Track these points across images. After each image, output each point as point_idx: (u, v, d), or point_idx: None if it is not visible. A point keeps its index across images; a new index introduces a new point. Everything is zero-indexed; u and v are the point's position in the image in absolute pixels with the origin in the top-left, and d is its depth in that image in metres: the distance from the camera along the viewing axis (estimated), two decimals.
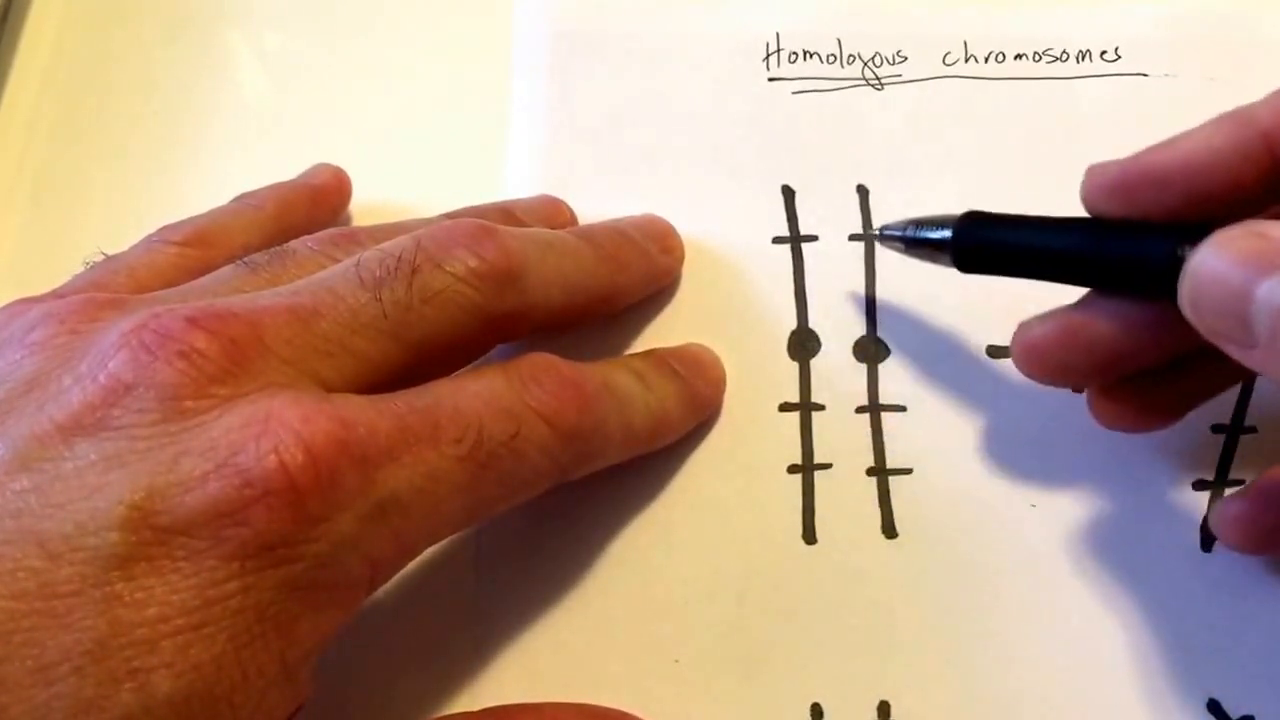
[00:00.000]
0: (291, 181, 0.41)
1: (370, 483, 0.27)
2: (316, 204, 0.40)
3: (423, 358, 0.31)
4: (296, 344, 0.29)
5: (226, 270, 0.33)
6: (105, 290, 0.34)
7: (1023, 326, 0.34)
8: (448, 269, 0.31)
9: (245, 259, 0.33)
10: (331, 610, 0.28)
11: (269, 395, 0.27)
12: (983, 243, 0.34)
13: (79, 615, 0.25)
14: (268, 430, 0.27)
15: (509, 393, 0.31)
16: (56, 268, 0.41)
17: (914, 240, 0.36)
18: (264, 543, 0.26)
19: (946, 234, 0.34)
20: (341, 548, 0.27)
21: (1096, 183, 0.32)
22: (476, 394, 0.30)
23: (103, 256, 0.36)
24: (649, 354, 0.37)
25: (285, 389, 0.28)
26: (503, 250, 0.32)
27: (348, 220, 0.42)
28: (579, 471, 0.33)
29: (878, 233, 0.37)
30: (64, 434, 0.27)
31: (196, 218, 0.38)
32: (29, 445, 0.26)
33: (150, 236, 0.37)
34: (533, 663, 0.34)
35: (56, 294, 0.34)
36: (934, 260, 0.35)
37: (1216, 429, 0.36)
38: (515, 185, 0.42)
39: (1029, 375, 0.34)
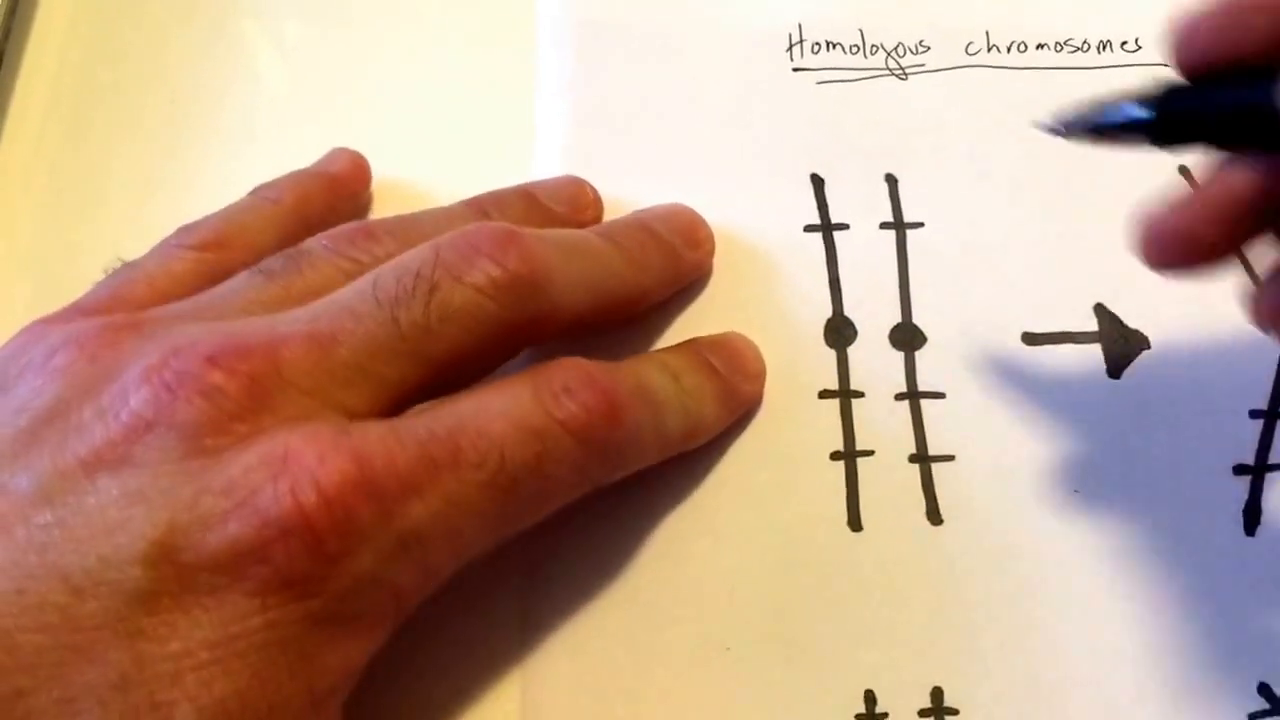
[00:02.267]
0: (309, 170, 0.40)
1: (389, 518, 0.27)
2: (335, 193, 0.40)
3: (445, 373, 0.31)
4: (316, 374, 0.29)
5: (241, 279, 0.33)
6: (125, 302, 0.34)
7: (1151, 214, 0.30)
8: (468, 281, 0.31)
9: (260, 265, 0.33)
10: (358, 641, 0.28)
11: (288, 429, 0.27)
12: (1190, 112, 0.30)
13: (103, 649, 0.25)
14: (285, 470, 0.27)
15: (536, 409, 0.30)
16: (74, 259, 0.40)
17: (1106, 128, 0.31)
18: (285, 579, 0.26)
19: (1146, 114, 0.30)
20: (363, 582, 0.27)
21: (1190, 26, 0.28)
22: (501, 413, 0.30)
23: (120, 263, 0.36)
24: (686, 347, 0.37)
25: (305, 422, 0.28)
26: (525, 258, 0.31)
27: (368, 206, 0.41)
28: (610, 479, 0.33)
29: (1060, 127, 0.32)
30: (87, 469, 0.27)
31: (212, 217, 0.37)
32: (52, 479, 0.27)
33: (167, 240, 0.37)
34: (583, 653, 0.34)
35: (77, 307, 0.34)
36: (1128, 143, 0.31)
37: (1254, 414, 0.37)
38: (541, 172, 0.41)
39: (1166, 262, 0.30)
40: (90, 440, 0.27)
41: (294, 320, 0.30)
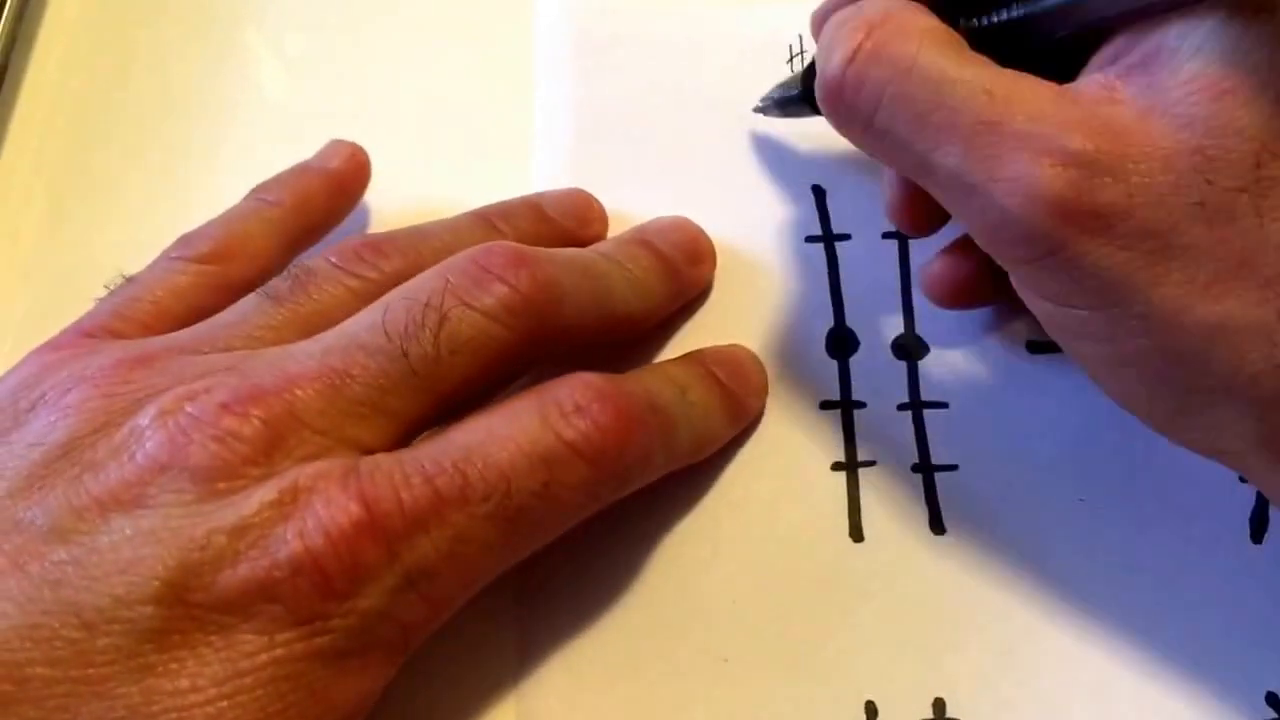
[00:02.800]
0: (309, 167, 0.40)
1: (395, 557, 0.28)
2: (335, 193, 0.40)
3: (455, 401, 0.31)
4: (329, 414, 0.29)
5: (249, 304, 0.33)
6: (130, 322, 0.34)
7: (923, 270, 0.37)
8: (478, 306, 0.31)
9: (266, 288, 0.34)
10: (366, 676, 0.28)
11: (298, 469, 0.28)
12: None
13: (113, 684, 0.26)
14: (294, 513, 0.27)
15: (544, 434, 0.30)
16: (76, 269, 0.41)
17: (784, 101, 0.39)
18: (294, 618, 0.27)
19: (797, 90, 0.38)
20: (370, 618, 0.28)
21: None
22: (509, 439, 0.30)
23: (122, 279, 0.36)
24: (692, 360, 0.37)
25: (316, 461, 0.28)
26: (535, 279, 0.32)
27: (366, 208, 0.41)
28: (618, 497, 0.32)
29: (759, 107, 0.41)
30: (102, 508, 0.27)
31: (212, 225, 0.37)
32: (67, 517, 0.27)
33: (168, 252, 0.37)
34: (580, 663, 0.34)
35: (80, 328, 0.34)
36: (801, 114, 0.38)
37: None
38: (542, 184, 0.41)
39: (944, 304, 0.37)
40: (105, 480, 0.28)
41: (306, 356, 0.30)
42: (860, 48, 0.30)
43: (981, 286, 0.36)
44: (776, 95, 0.39)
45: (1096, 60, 0.30)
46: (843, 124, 0.32)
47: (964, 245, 0.36)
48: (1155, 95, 0.28)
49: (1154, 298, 0.27)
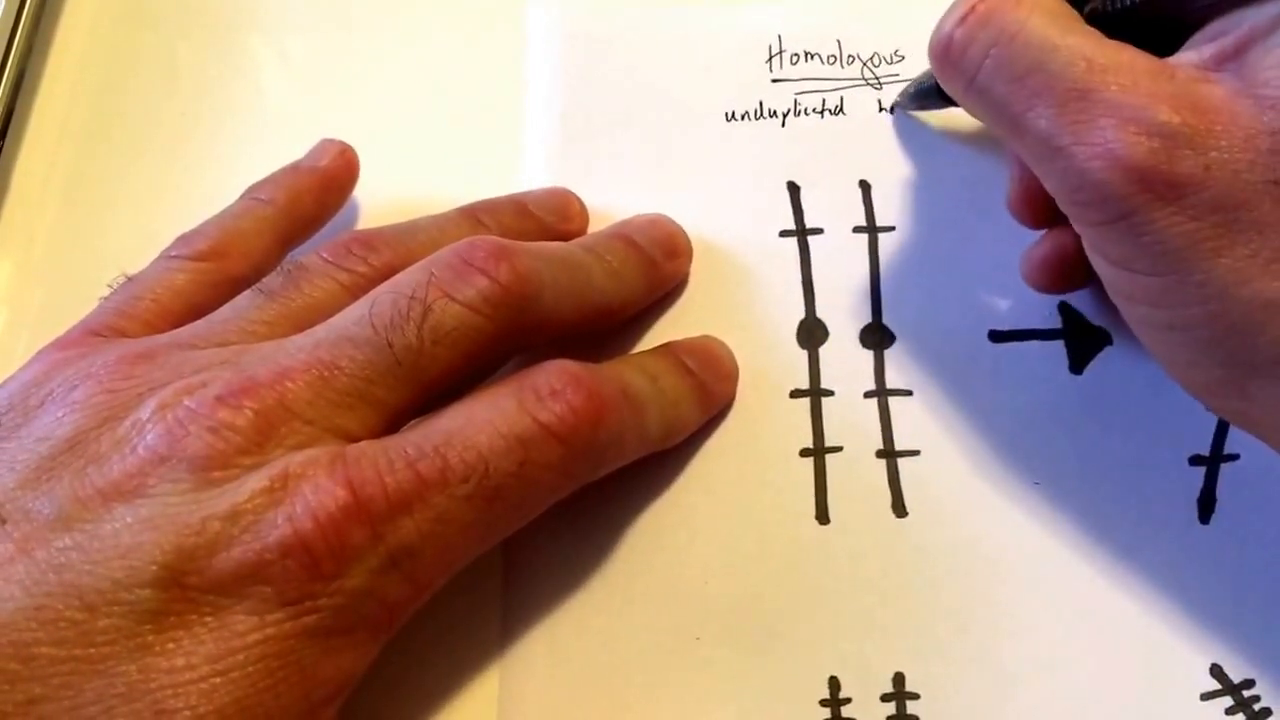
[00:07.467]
0: (300, 166, 0.41)
1: (380, 538, 0.29)
2: (325, 190, 0.41)
3: (440, 390, 0.33)
4: (318, 404, 0.31)
5: (244, 300, 0.35)
6: (132, 320, 0.36)
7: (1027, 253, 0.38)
8: (460, 298, 0.32)
9: (261, 284, 0.35)
10: (352, 653, 0.30)
11: (289, 458, 0.30)
12: None
13: (113, 662, 0.27)
14: (284, 499, 0.29)
15: (520, 416, 0.31)
16: (88, 268, 0.42)
17: (920, 94, 0.40)
18: (284, 599, 0.28)
19: (930, 83, 0.38)
20: (357, 598, 0.29)
21: None
22: (487, 422, 0.31)
23: (124, 278, 0.37)
24: (663, 350, 0.38)
25: (305, 449, 0.30)
26: (515, 271, 0.33)
27: (361, 206, 0.43)
28: (592, 478, 0.34)
29: (896, 101, 0.43)
30: (104, 498, 0.29)
31: (209, 225, 0.39)
32: (72, 506, 0.29)
33: (167, 251, 0.38)
34: (559, 644, 0.35)
35: (86, 327, 0.36)
36: (933, 106, 0.41)
37: None
38: (530, 183, 0.43)
39: (1043, 287, 0.38)
40: (108, 472, 0.29)
41: (298, 350, 0.32)
42: (974, 10, 0.32)
43: (1078, 271, 0.37)
44: (912, 89, 0.41)
45: (1197, 38, 0.31)
46: (947, 81, 0.34)
47: (1062, 232, 0.37)
48: (1246, 76, 0.29)
49: (1215, 268, 0.29)
